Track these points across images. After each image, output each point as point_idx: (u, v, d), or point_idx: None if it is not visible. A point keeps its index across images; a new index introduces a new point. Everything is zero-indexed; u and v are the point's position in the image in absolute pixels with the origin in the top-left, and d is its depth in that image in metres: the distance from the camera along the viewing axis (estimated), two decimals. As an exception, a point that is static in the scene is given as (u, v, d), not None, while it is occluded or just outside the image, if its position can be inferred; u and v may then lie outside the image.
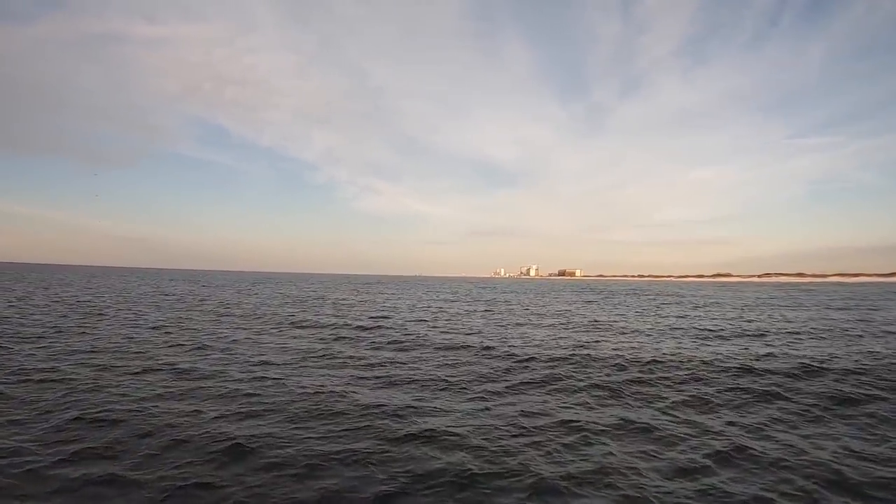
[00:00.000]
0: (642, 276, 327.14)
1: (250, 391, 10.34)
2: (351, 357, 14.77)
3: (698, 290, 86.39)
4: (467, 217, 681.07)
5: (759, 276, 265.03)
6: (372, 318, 26.53)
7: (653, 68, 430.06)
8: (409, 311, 32.41)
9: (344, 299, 43.10)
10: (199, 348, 15.72)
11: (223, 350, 15.50)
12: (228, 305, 33.00)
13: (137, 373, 11.90)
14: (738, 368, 13.39)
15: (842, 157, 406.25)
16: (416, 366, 13.73)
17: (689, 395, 10.76)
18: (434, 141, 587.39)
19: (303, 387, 10.76)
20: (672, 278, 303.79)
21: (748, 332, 21.78)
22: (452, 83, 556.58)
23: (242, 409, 9.08)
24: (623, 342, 18.80)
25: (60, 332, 18.44)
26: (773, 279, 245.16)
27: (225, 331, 20.21)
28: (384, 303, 40.01)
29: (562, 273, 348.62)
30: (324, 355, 15.04)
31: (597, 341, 18.95)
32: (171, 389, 10.38)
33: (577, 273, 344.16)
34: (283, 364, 13.50)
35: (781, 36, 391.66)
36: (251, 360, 14.00)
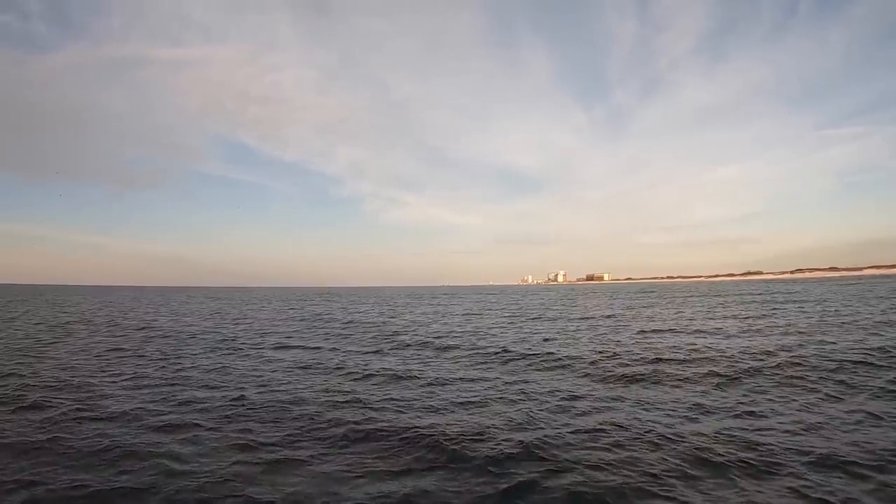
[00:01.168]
0: (671, 277, 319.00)
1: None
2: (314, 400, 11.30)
3: (742, 289, 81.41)
4: (493, 225, 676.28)
5: (791, 273, 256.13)
6: (385, 336, 23.13)
7: (672, 67, 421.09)
8: (427, 325, 28.94)
9: (360, 314, 39.89)
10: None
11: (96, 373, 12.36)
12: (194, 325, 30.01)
13: None
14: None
15: (872, 147, 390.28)
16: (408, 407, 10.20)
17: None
18: (458, 151, 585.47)
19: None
20: (702, 278, 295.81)
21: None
22: (474, 93, 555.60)
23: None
24: (721, 345, 15.76)
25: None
26: (806, 275, 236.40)
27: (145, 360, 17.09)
28: (400, 316, 36.69)
29: (590, 278, 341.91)
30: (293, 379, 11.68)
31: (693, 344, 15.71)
32: None
33: (605, 277, 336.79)
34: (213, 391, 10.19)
35: (800, 25, 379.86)
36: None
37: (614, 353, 15.09)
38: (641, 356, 14.16)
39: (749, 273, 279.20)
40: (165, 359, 15.33)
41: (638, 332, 20.53)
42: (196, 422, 8.24)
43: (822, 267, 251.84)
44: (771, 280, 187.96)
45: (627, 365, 13.01)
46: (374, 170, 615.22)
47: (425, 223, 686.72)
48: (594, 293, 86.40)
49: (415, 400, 9.71)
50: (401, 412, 8.78)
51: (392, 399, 9.77)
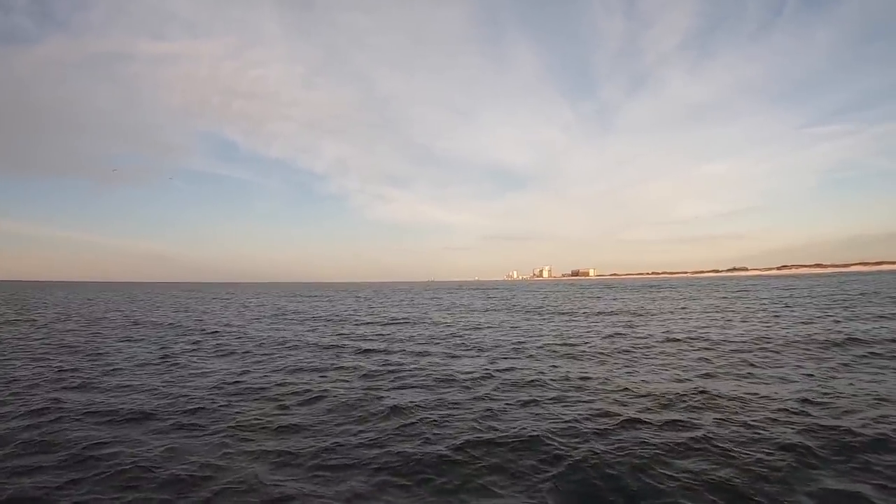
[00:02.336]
0: (656, 273, 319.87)
1: None
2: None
3: (740, 286, 79.32)
4: (481, 221, 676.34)
5: (777, 269, 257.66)
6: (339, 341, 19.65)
7: (659, 63, 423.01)
8: (431, 324, 25.47)
9: (335, 312, 36.41)
10: None
11: None
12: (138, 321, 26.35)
13: None
14: None
15: (857, 144, 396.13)
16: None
17: None
18: (445, 147, 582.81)
19: None
20: (687, 274, 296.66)
21: None
22: (461, 89, 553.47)
23: None
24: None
25: None
26: (793, 271, 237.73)
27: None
28: (385, 312, 33.25)
29: (575, 273, 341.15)
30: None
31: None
32: None
33: (591, 273, 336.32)
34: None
35: (787, 23, 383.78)
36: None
37: (671, 348, 12.09)
38: (708, 351, 11.41)
39: (734, 269, 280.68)
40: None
41: (681, 328, 17.46)
42: None
43: (808, 263, 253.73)
44: (758, 276, 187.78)
45: (694, 359, 10.13)
46: (360, 166, 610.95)
47: (413, 219, 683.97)
48: (598, 288, 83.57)
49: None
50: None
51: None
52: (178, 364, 12.02)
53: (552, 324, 21.41)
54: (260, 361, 12.35)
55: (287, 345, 15.32)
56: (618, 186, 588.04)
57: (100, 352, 14.07)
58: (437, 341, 15.89)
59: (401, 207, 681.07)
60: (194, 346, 15.33)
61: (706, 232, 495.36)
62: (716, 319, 20.66)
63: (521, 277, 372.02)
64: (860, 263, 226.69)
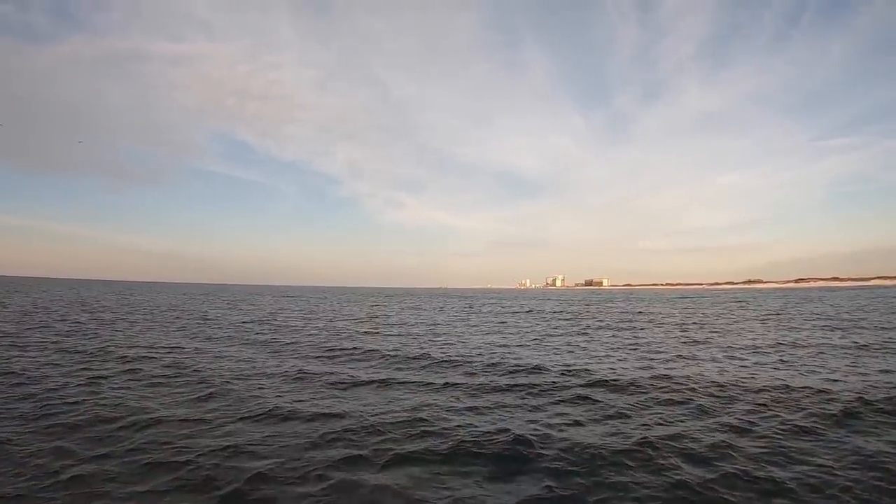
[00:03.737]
0: (671, 284, 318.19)
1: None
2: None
3: (772, 298, 79.54)
4: (492, 228, 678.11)
5: (794, 282, 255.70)
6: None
7: (674, 72, 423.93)
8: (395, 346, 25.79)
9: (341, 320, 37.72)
10: None
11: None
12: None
13: None
14: None
15: (870, 158, 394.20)
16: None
17: None
18: (457, 153, 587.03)
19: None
20: (703, 286, 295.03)
21: None
22: (474, 94, 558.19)
23: None
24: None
25: None
26: (811, 284, 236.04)
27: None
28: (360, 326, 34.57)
29: (588, 283, 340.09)
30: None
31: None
32: None
33: (605, 283, 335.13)
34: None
35: (802, 35, 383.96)
36: None
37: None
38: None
39: (749, 281, 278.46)
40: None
41: (769, 337, 18.52)
42: None
43: (825, 277, 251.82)
44: (778, 289, 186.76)
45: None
46: (373, 170, 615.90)
47: (424, 225, 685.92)
48: (637, 299, 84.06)
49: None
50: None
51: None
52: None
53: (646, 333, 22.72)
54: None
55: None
56: (630, 195, 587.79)
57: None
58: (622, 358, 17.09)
59: (413, 213, 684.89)
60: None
61: (718, 243, 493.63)
62: (787, 329, 21.67)
63: (533, 286, 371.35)
64: (879, 277, 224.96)
